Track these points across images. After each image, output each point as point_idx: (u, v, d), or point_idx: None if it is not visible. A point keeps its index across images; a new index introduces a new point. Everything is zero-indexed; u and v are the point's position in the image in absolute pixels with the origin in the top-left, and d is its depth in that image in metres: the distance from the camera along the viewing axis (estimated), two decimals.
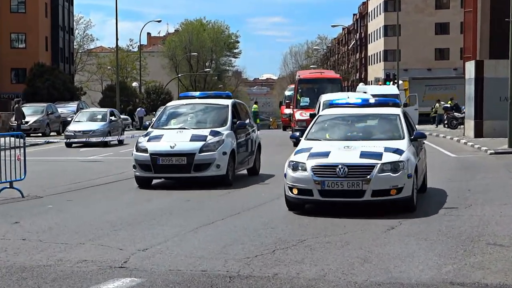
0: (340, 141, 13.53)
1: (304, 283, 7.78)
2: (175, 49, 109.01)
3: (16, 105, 44.51)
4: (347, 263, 8.78)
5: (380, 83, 69.88)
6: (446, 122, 47.77)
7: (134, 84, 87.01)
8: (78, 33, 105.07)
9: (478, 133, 33.50)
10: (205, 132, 17.15)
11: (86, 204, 16.22)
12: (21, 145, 18.43)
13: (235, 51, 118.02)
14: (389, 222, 12.24)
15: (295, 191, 12.29)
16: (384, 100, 16.51)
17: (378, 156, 12.25)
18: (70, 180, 20.97)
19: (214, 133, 17.07)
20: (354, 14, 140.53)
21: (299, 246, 10.34)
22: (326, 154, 12.43)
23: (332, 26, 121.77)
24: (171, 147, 16.24)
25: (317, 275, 8.24)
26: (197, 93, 21.59)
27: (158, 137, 17.01)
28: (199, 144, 16.43)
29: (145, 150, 16.47)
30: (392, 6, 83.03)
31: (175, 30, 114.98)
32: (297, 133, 15.80)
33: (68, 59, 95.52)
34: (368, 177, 11.82)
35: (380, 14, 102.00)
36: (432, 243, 10.13)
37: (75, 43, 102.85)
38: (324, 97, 25.10)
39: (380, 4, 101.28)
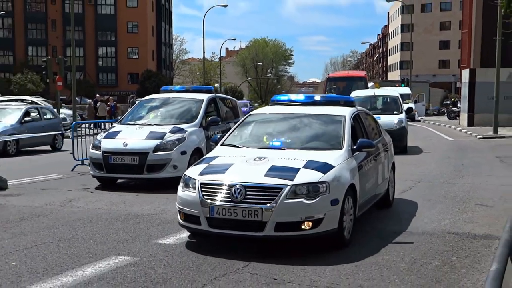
0: (256, 149, 8.24)
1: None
2: (245, 59, 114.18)
3: (132, 99, 46.33)
4: (372, 216, 9.15)
5: (397, 85, 63.72)
6: (446, 114, 47.92)
7: (216, 85, 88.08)
8: (176, 47, 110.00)
9: (470, 123, 34.12)
10: (166, 129, 12.83)
11: None
12: None
13: (289, 61, 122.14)
14: (402, 186, 12.05)
15: (182, 216, 7.45)
16: (333, 97, 10.74)
17: (292, 173, 7.12)
18: None
19: (176, 130, 12.74)
20: (378, 34, 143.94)
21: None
22: (224, 169, 7.42)
23: (361, 43, 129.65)
24: (123, 145, 12.13)
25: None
26: (177, 87, 16.42)
27: (115, 134, 12.94)
28: (154, 142, 12.13)
29: (99, 148, 12.45)
30: (407, 28, 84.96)
31: (246, 46, 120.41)
32: (218, 135, 9.86)
33: (168, 66, 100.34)
34: (270, 204, 6.77)
35: (397, 34, 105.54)
36: (434, 203, 10.37)
37: (173, 55, 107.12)
38: (353, 93, 21.41)
39: (398, 27, 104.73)
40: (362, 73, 32.40)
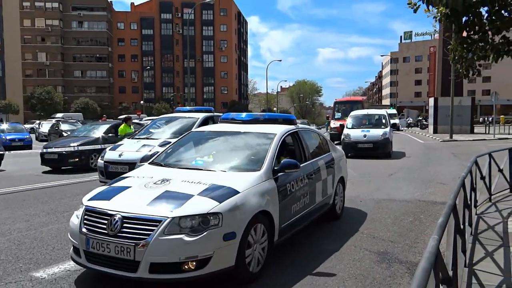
0: (173, 169, 4.85)
1: (348, 198, 8.30)
2: (292, 93, 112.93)
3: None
4: (370, 190, 8.96)
5: (387, 107, 61.92)
6: (419, 126, 45.62)
7: (274, 108, 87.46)
8: (250, 86, 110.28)
9: (435, 131, 32.86)
10: (156, 142, 9.61)
11: None
12: None
13: (320, 93, 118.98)
14: (388, 171, 11.83)
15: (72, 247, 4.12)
16: (274, 116, 6.08)
17: (180, 202, 3.83)
18: None
19: (164, 143, 9.12)
20: (375, 76, 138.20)
21: None
22: (114, 194, 4.14)
23: (365, 81, 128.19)
24: (119, 155, 9.41)
25: (356, 194, 8.48)
26: (186, 108, 11.94)
27: (117, 146, 10.11)
28: (142, 154, 9.10)
29: (103, 157, 9.69)
30: (394, 72, 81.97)
31: (293, 84, 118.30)
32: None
33: (245, 98, 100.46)
34: (144, 241, 3.58)
35: (388, 76, 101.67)
36: (410, 182, 9.98)
37: (248, 91, 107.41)
38: (352, 112, 18.47)
39: (388, 71, 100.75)
40: (360, 98, 29.95)
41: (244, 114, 5.97)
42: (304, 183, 5.13)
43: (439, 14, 5.32)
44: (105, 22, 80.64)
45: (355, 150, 15.81)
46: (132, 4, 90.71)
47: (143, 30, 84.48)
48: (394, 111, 47.36)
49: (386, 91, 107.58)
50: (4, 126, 25.27)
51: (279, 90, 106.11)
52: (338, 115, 25.37)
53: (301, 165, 4.97)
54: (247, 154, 5.00)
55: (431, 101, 35.64)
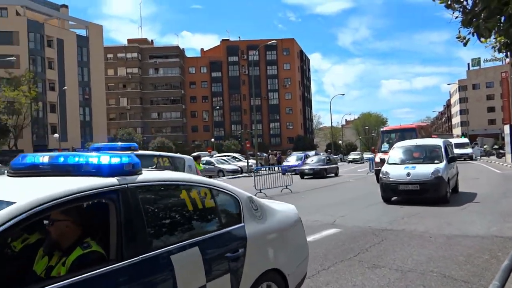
0: None
1: (416, 233, 7.56)
2: (357, 125, 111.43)
3: (289, 153, 44.17)
4: (439, 224, 8.34)
5: (457, 136, 62.23)
6: (495, 155, 43.24)
7: (340, 142, 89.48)
8: (315, 120, 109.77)
9: None
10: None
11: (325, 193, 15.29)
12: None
13: (386, 124, 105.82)
14: (461, 204, 10.83)
15: None
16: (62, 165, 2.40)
17: None
18: (309, 186, 19.63)
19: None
20: (443, 105, 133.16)
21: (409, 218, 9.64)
22: None
23: (433, 111, 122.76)
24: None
25: (424, 229, 8.07)
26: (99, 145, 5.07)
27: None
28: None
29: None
30: (464, 100, 79.26)
31: (357, 117, 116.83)
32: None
33: (310, 132, 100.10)
34: None
35: (457, 104, 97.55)
36: (485, 215, 9.09)
37: (313, 125, 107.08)
38: (397, 144, 14.34)
39: (457, 99, 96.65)
40: (413, 125, 22.54)
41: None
42: None
43: (497, 44, 5.00)
44: (178, 67, 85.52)
45: (396, 193, 11.82)
46: (201, 49, 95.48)
47: (212, 73, 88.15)
48: (465, 140, 44.65)
49: (456, 119, 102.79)
50: None
51: (343, 123, 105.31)
52: (385, 147, 20.22)
53: None
54: None
55: (507, 128, 33.66)
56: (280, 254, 3.43)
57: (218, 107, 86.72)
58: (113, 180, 2.41)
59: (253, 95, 44.01)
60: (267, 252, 3.33)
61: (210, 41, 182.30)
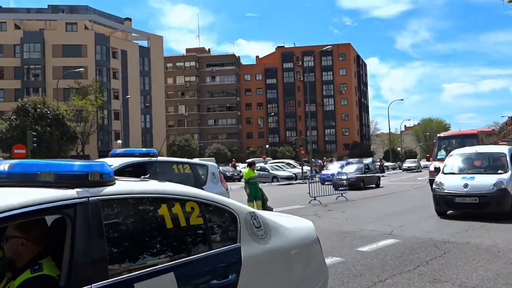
0: None
1: (483, 247, 7.19)
2: (418, 132, 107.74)
3: (344, 159, 41.08)
4: (509, 240, 7.33)
5: None
6: None
7: (398, 148, 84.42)
8: (372, 126, 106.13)
9: None
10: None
11: (374, 203, 14.79)
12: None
13: (448, 130, 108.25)
14: None
15: None
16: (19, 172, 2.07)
17: None
18: (365, 194, 19.36)
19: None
20: None
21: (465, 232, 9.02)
22: None
23: (501, 116, 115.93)
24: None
25: (491, 243, 7.71)
26: (120, 150, 7.41)
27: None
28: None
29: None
30: None
31: (417, 123, 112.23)
32: None
33: (367, 138, 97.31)
34: None
35: None
36: None
37: (370, 131, 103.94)
38: (454, 151, 12.50)
39: None
40: (474, 131, 20.02)
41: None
42: None
43: None
44: (234, 75, 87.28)
45: (451, 206, 10.50)
46: (257, 57, 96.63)
47: (267, 79, 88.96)
48: None
49: None
50: None
51: (402, 129, 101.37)
52: (441, 154, 17.92)
53: None
54: None
55: None
56: (288, 281, 2.86)
57: (273, 113, 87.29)
58: (71, 193, 2.04)
59: (308, 101, 43.92)
60: (269, 278, 2.75)
61: (265, 48, 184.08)
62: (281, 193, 20.59)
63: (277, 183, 28.35)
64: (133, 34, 70.02)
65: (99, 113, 52.24)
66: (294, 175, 31.91)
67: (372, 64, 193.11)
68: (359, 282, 5.27)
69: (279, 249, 2.89)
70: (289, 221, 3.34)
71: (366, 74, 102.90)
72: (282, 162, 40.22)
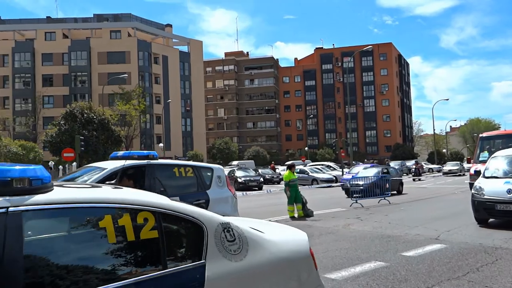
0: None
1: None
2: (465, 132, 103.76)
3: (387, 162, 43.06)
4: None
5: None
6: None
7: (444, 150, 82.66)
8: (415, 128, 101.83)
9: None
10: None
11: (418, 205, 14.11)
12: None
13: (498, 128, 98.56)
14: None
15: None
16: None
17: None
18: (410, 197, 18.40)
19: None
20: None
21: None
22: None
23: None
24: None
25: None
26: (121, 153, 7.16)
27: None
28: None
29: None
30: None
31: (464, 123, 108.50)
32: None
33: (410, 140, 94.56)
34: None
35: None
36: None
37: (413, 132, 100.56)
38: (497, 152, 11.11)
39: None
40: None
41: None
42: None
43: None
44: (272, 77, 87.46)
45: (492, 214, 9.46)
46: (295, 59, 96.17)
47: (306, 81, 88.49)
48: None
49: None
50: None
51: (448, 130, 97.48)
52: (483, 156, 16.25)
53: None
54: None
55: None
56: None
57: (312, 115, 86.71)
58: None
59: (348, 103, 43.29)
60: None
61: (303, 50, 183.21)
62: (321, 196, 20.42)
63: (317, 186, 28.10)
64: (173, 40, 71.71)
65: (142, 117, 53.89)
66: (334, 178, 31.54)
67: (415, 63, 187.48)
68: (404, 287, 5.10)
69: (258, 266, 2.47)
70: (277, 232, 2.93)
71: (408, 74, 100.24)
72: (322, 165, 39.87)
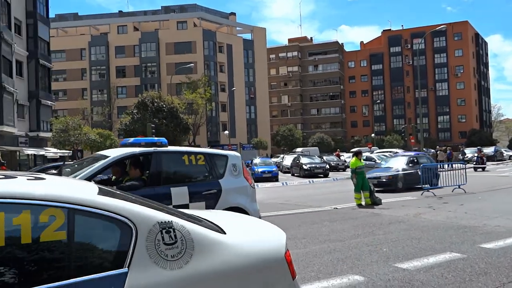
0: None
1: None
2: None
3: (462, 149, 38.76)
4: None
5: None
6: None
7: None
8: (494, 112, 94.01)
9: None
10: None
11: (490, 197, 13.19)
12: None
13: None
14: None
15: None
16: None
17: None
18: (489, 186, 16.77)
19: None
20: None
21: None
22: None
23: None
24: None
25: None
26: (131, 140, 6.60)
27: None
28: None
29: None
30: None
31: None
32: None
33: (488, 125, 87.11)
34: None
35: None
36: None
37: (492, 117, 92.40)
38: None
39: None
40: None
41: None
42: None
43: None
44: (337, 63, 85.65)
45: None
46: (361, 42, 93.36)
47: (373, 65, 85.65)
48: None
49: None
50: (257, 160, 29.32)
51: None
52: None
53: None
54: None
55: None
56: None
57: (378, 101, 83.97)
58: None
59: (419, 87, 41.29)
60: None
61: (369, 33, 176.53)
62: None
63: None
64: (237, 28, 72.49)
65: (208, 105, 55.29)
66: None
67: (495, 42, 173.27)
68: (484, 281, 4.82)
69: (204, 275, 2.04)
70: (247, 231, 2.49)
71: (486, 54, 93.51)
72: (390, 152, 38.49)
